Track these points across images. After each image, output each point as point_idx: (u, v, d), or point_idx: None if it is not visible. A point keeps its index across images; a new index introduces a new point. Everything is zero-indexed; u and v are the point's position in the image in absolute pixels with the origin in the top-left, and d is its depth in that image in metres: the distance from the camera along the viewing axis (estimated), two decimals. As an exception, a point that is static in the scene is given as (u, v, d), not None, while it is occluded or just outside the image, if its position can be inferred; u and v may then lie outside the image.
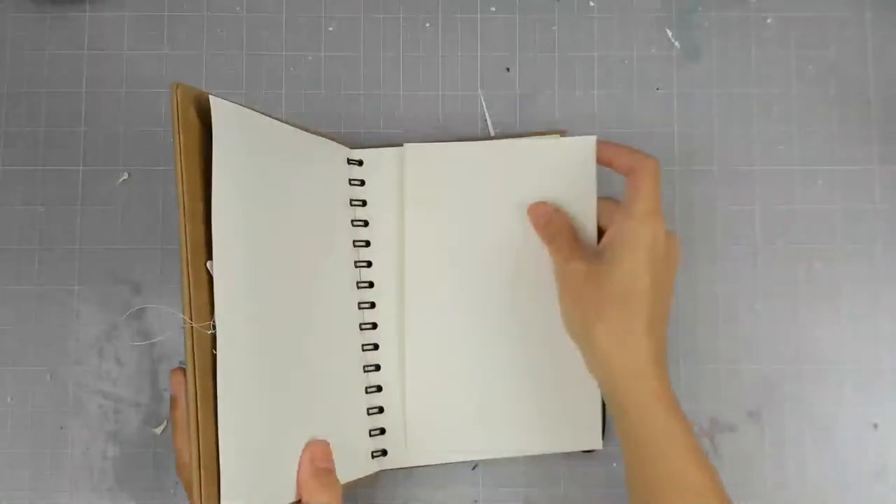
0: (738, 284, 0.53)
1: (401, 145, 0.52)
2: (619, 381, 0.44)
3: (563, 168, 0.51)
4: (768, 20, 0.54)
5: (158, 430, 0.52)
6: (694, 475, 0.42)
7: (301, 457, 0.42)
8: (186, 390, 0.37)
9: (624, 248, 0.45)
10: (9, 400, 0.52)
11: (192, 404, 0.37)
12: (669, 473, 0.43)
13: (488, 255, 0.51)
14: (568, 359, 0.49)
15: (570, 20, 0.55)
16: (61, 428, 0.52)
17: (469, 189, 0.51)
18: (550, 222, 0.49)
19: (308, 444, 0.43)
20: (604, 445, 0.51)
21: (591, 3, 0.55)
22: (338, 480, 0.43)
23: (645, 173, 0.45)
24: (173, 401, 0.45)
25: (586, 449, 0.51)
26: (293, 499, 0.41)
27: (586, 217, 0.50)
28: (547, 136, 0.52)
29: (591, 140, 0.50)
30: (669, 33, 0.54)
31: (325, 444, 0.43)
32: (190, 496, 0.39)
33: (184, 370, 0.38)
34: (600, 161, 0.49)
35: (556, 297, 0.49)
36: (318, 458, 0.42)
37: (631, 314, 0.44)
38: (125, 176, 0.53)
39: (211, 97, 0.39)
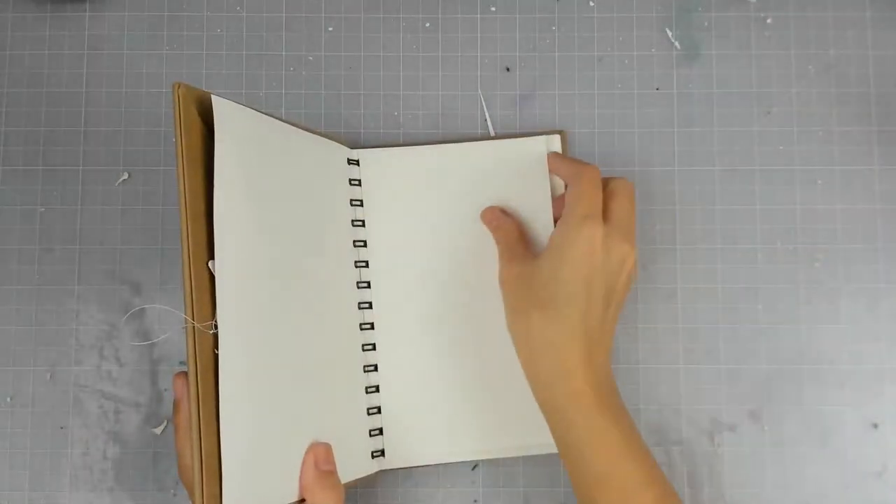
0: (738, 284, 0.53)
1: (400, 145, 0.53)
2: (541, 383, 0.45)
3: (517, 169, 0.52)
4: (768, 20, 0.54)
5: (158, 430, 0.52)
6: (623, 470, 0.43)
7: (304, 459, 0.42)
8: (188, 391, 0.37)
9: (556, 253, 0.45)
10: (9, 400, 0.52)
11: (193, 405, 0.37)
12: (597, 473, 0.43)
13: (463, 259, 0.52)
14: None
15: (570, 20, 0.55)
16: (61, 428, 0.52)
17: (427, 193, 0.52)
18: (499, 226, 0.50)
19: (310, 447, 0.43)
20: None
21: (591, 3, 0.55)
22: (340, 481, 0.43)
23: (583, 180, 0.45)
24: (176, 405, 0.45)
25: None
26: (295, 499, 0.41)
27: (542, 217, 0.51)
28: (537, 135, 0.52)
29: (541, 140, 0.51)
30: (669, 33, 0.54)
31: (327, 446, 0.43)
32: (192, 498, 0.39)
33: (186, 373, 0.38)
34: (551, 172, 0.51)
35: None
36: (321, 461, 0.42)
37: (556, 318, 0.44)
38: (125, 176, 0.53)
39: (213, 97, 0.39)
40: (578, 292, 0.44)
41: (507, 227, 0.50)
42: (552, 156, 0.51)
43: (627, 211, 0.46)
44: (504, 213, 0.51)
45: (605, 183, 0.47)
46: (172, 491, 0.52)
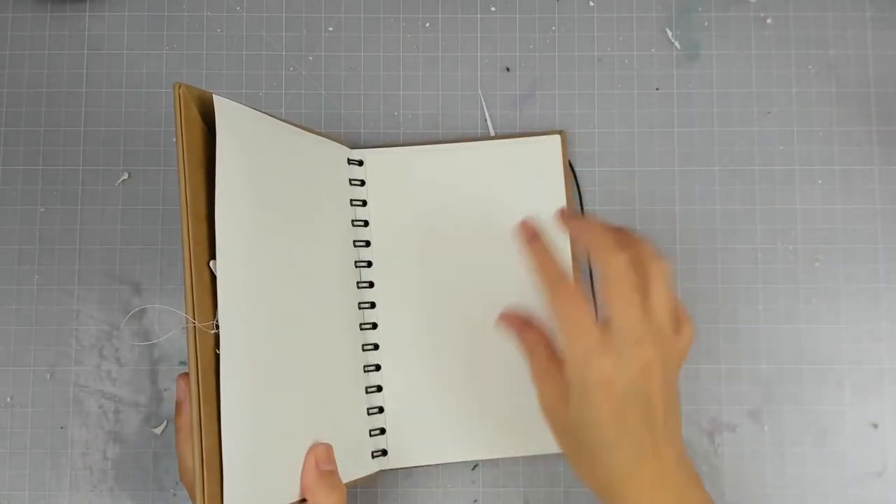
0: (738, 284, 0.53)
1: (401, 145, 0.53)
2: (604, 494, 0.41)
3: (529, 169, 0.52)
4: (768, 20, 0.54)
5: (158, 430, 0.52)
6: None
7: (305, 460, 0.42)
8: (189, 390, 0.37)
9: (576, 394, 0.39)
10: (9, 400, 0.52)
11: (194, 405, 0.37)
12: None
13: (463, 260, 0.52)
14: None
15: (570, 20, 0.55)
16: (61, 428, 0.52)
17: (435, 193, 0.52)
18: (524, 339, 0.44)
19: (311, 447, 0.42)
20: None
21: (591, 3, 0.55)
22: (341, 481, 0.43)
23: (613, 281, 0.39)
24: (178, 406, 0.45)
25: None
26: (296, 499, 0.41)
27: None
28: (541, 135, 0.53)
29: (556, 139, 0.51)
30: (669, 33, 0.54)
31: (328, 446, 0.43)
32: (193, 500, 0.39)
33: (188, 374, 0.38)
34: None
35: (534, 300, 0.49)
36: (322, 461, 0.42)
37: (602, 464, 0.39)
38: (125, 176, 0.53)
39: (215, 96, 0.39)
40: (613, 437, 0.39)
41: (532, 338, 0.43)
42: (571, 220, 0.44)
43: (658, 303, 0.40)
44: (527, 322, 0.44)
45: (640, 262, 0.40)
46: (172, 491, 0.52)
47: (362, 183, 0.52)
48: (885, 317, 0.52)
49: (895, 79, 0.54)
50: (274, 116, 0.44)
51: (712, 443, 0.52)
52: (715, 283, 0.53)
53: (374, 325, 0.51)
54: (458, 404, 0.51)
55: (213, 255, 0.39)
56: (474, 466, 0.52)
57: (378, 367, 0.51)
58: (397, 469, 0.51)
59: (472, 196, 0.52)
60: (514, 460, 0.52)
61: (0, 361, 0.52)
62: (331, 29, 0.55)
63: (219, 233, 0.38)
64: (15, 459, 0.52)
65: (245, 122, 0.42)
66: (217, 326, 0.38)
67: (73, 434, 0.52)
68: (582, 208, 0.53)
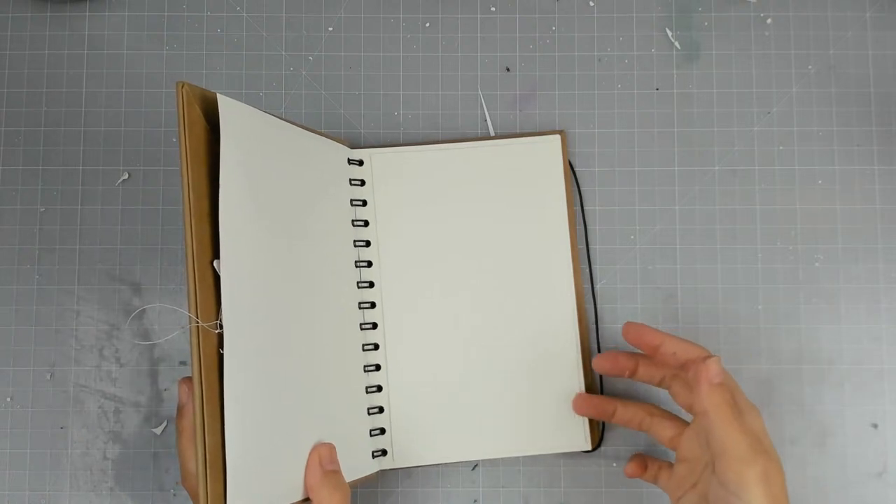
0: (738, 284, 0.53)
1: (401, 145, 0.53)
2: None
3: (529, 169, 0.52)
4: (768, 20, 0.54)
5: (158, 430, 0.52)
6: None
7: (308, 460, 0.42)
8: (192, 390, 0.37)
9: None
10: (9, 400, 0.52)
11: (197, 404, 0.37)
12: None
13: (463, 259, 0.52)
14: (548, 363, 0.50)
15: (570, 20, 0.55)
16: (61, 428, 0.52)
17: (437, 192, 0.52)
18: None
19: (315, 447, 0.42)
20: (602, 446, 0.52)
21: (591, 3, 0.55)
22: (345, 481, 0.43)
23: (712, 406, 0.41)
24: (180, 409, 0.45)
25: (580, 450, 0.51)
26: (299, 498, 0.41)
27: (557, 222, 0.51)
28: (541, 135, 0.53)
29: (556, 139, 0.51)
30: (669, 33, 0.54)
31: (331, 446, 0.43)
32: (196, 502, 0.39)
33: (191, 378, 0.38)
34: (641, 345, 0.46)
35: (533, 300, 0.51)
36: (326, 461, 0.42)
37: None
38: (125, 176, 0.53)
39: (219, 95, 0.39)
40: None
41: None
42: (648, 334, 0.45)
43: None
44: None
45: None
46: (172, 491, 0.52)
47: (362, 183, 0.52)
48: (885, 317, 0.53)
49: (895, 79, 0.54)
50: (275, 116, 0.44)
51: (712, 443, 0.52)
52: (715, 283, 0.53)
53: (374, 325, 0.51)
54: (458, 404, 0.51)
55: (216, 255, 0.39)
56: (474, 466, 0.52)
57: (378, 367, 0.51)
58: (397, 469, 0.51)
59: (472, 196, 0.52)
60: (514, 460, 0.52)
61: (0, 361, 0.52)
62: (331, 29, 0.55)
63: (223, 232, 0.38)
64: (15, 459, 0.52)
65: (248, 122, 0.42)
66: (220, 326, 0.38)
67: (73, 434, 0.52)
68: (582, 208, 0.53)
